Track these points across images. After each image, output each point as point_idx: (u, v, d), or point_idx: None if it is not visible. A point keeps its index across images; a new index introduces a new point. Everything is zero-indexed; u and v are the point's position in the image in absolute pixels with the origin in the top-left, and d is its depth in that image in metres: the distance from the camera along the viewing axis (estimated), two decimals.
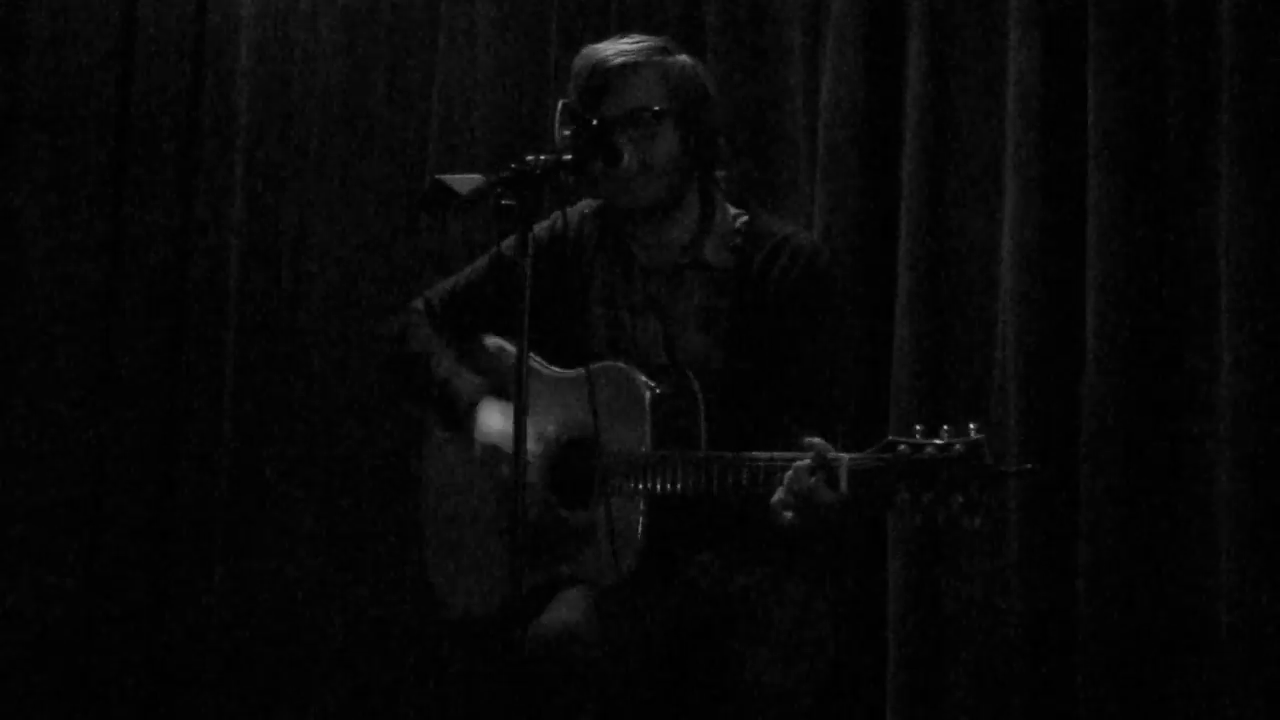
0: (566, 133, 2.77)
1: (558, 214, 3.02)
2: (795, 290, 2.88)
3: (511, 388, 2.82)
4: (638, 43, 2.90)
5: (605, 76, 2.84)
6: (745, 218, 2.97)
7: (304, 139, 4.50)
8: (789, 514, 2.59)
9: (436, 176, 2.60)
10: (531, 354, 2.92)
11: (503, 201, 2.52)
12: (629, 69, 2.85)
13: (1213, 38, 3.28)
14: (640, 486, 2.75)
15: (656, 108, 2.85)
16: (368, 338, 4.14)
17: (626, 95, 2.84)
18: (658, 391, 2.80)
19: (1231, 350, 3.18)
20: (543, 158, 2.54)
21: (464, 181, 2.58)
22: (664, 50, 2.92)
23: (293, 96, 4.52)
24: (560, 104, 2.80)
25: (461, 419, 3.01)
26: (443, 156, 4.26)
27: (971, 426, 2.50)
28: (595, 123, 2.67)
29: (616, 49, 2.88)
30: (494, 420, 2.96)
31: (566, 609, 2.75)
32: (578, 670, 2.67)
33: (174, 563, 4.47)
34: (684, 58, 2.94)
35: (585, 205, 3.05)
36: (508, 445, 2.80)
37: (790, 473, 2.57)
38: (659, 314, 2.95)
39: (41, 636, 4.40)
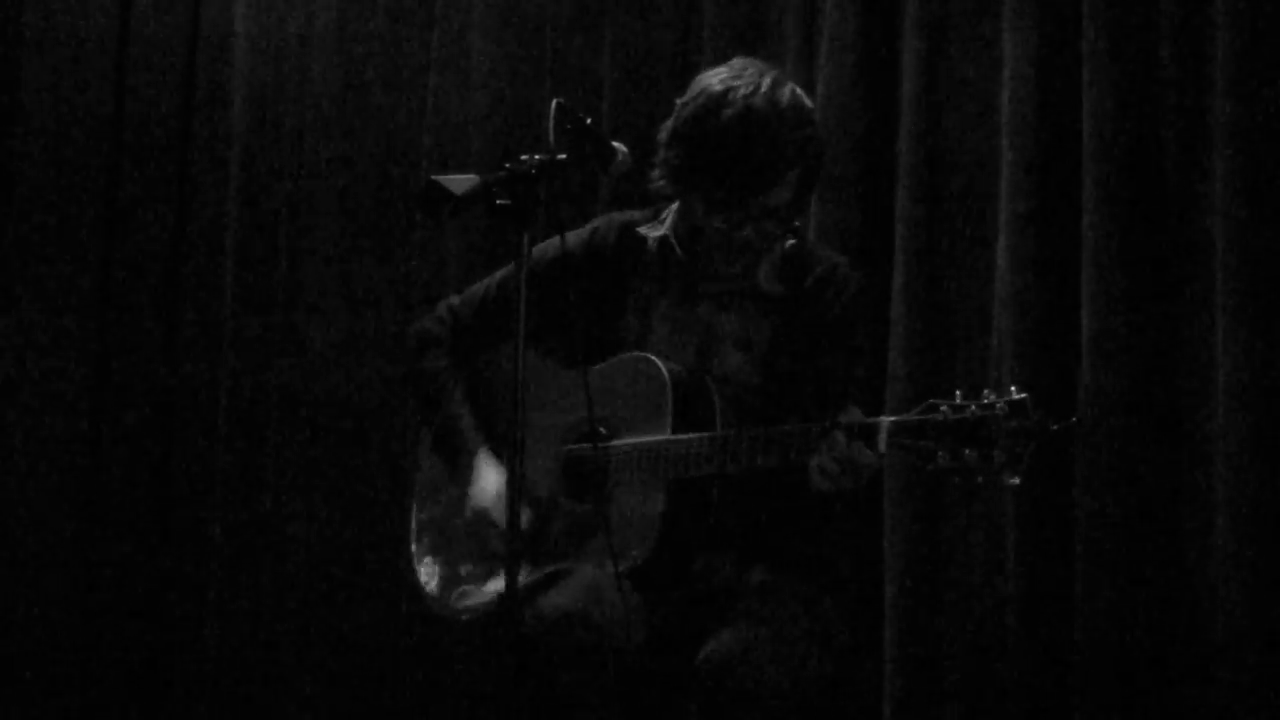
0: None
1: (596, 222, 3.06)
2: (839, 322, 2.92)
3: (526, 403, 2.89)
4: (797, 120, 2.78)
5: (770, 170, 2.76)
6: (792, 241, 2.96)
7: (298, 141, 4.52)
8: (825, 481, 2.63)
9: (432, 177, 2.60)
10: (543, 356, 2.98)
11: (498, 201, 2.53)
12: (795, 164, 2.78)
13: (1207, 39, 3.28)
14: (661, 474, 2.78)
15: (794, 170, 2.81)
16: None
17: (779, 192, 2.80)
18: (678, 378, 2.83)
19: (1227, 341, 3.18)
20: (537, 157, 2.55)
21: (459, 182, 2.58)
22: (813, 136, 2.82)
23: (287, 97, 4.53)
24: (554, 103, 2.80)
25: (457, 464, 3.04)
26: (437, 157, 4.27)
27: (1013, 388, 2.54)
28: (589, 122, 2.67)
29: (779, 135, 2.75)
30: (489, 479, 2.98)
31: (565, 594, 2.76)
32: (578, 653, 2.67)
33: (171, 559, 4.49)
34: (809, 103, 2.86)
35: (621, 215, 3.06)
36: (498, 512, 2.87)
37: (828, 439, 2.61)
38: (700, 332, 2.95)
39: (39, 637, 4.43)
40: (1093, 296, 3.33)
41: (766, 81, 2.80)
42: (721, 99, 2.79)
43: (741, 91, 2.79)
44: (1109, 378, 3.30)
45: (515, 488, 2.45)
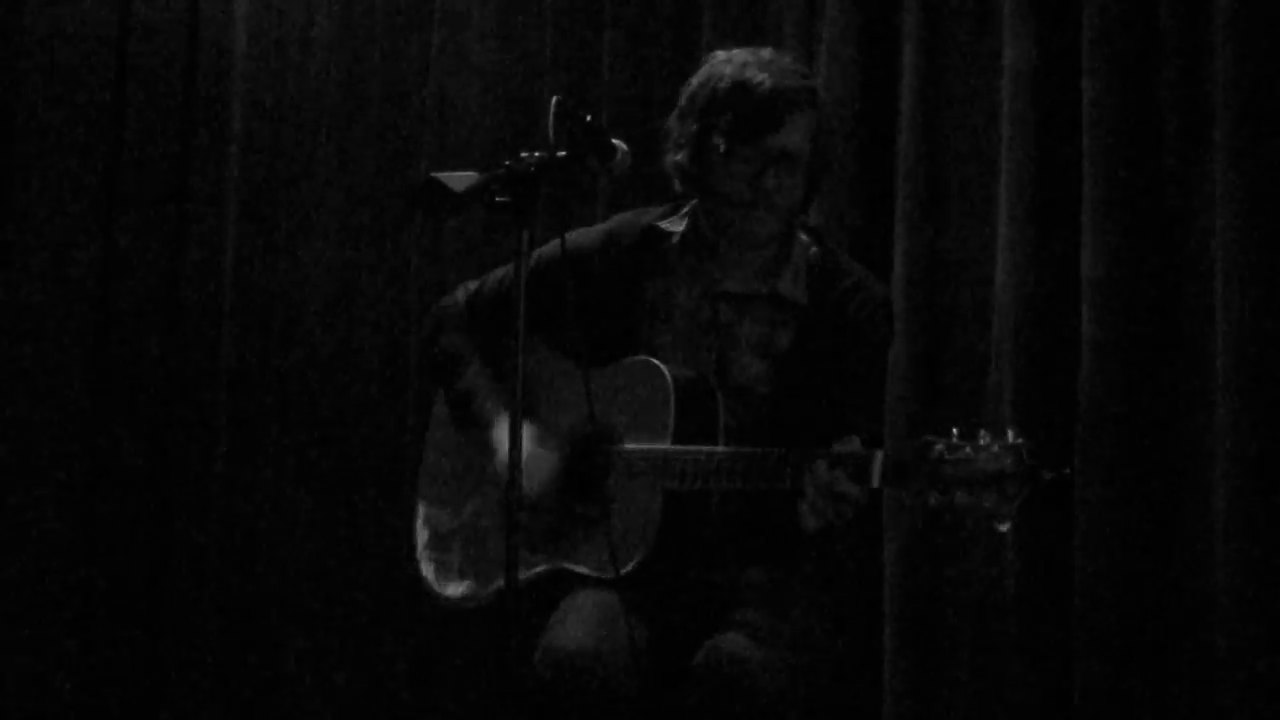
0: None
1: (612, 222, 3.07)
2: (861, 332, 2.92)
3: (536, 395, 2.92)
4: (801, 76, 2.91)
5: (779, 109, 2.84)
6: (817, 250, 2.98)
7: (298, 139, 4.51)
8: (813, 518, 2.62)
9: (432, 174, 2.60)
10: (555, 350, 2.99)
11: (497, 199, 2.53)
12: (805, 105, 2.87)
13: (1207, 32, 3.27)
14: (659, 482, 2.77)
15: (805, 158, 2.87)
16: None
17: (791, 134, 2.85)
18: (682, 385, 2.82)
19: (1227, 347, 3.18)
20: (537, 155, 2.54)
21: (459, 179, 2.58)
22: (817, 91, 2.93)
23: (287, 95, 4.53)
24: (554, 100, 2.80)
25: (475, 425, 3.03)
26: (437, 154, 4.27)
27: (1009, 431, 2.50)
28: (589, 119, 2.67)
29: (786, 78, 2.86)
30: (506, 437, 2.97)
31: (575, 626, 2.73)
32: (595, 688, 2.65)
33: (171, 556, 4.49)
34: (822, 94, 2.96)
35: (640, 217, 3.06)
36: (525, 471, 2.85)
37: (809, 472, 2.60)
38: (719, 335, 2.95)
39: (39, 635, 4.42)
40: (1093, 295, 3.32)
41: (768, 49, 2.94)
42: (725, 62, 2.91)
43: (744, 55, 2.91)
44: (1109, 378, 3.30)
45: (515, 486, 2.44)
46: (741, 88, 2.85)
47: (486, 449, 3.00)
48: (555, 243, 3.00)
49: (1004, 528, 2.49)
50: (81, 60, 4.54)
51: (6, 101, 4.52)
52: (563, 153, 2.60)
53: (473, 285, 3.15)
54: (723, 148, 2.86)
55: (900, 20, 3.65)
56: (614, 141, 2.74)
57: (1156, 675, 3.27)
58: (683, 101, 2.95)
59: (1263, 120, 3.17)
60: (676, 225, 3.01)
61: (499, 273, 3.14)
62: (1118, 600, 3.27)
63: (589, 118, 2.67)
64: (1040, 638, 3.36)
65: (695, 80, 2.95)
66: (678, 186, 2.98)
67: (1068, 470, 2.51)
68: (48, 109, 4.52)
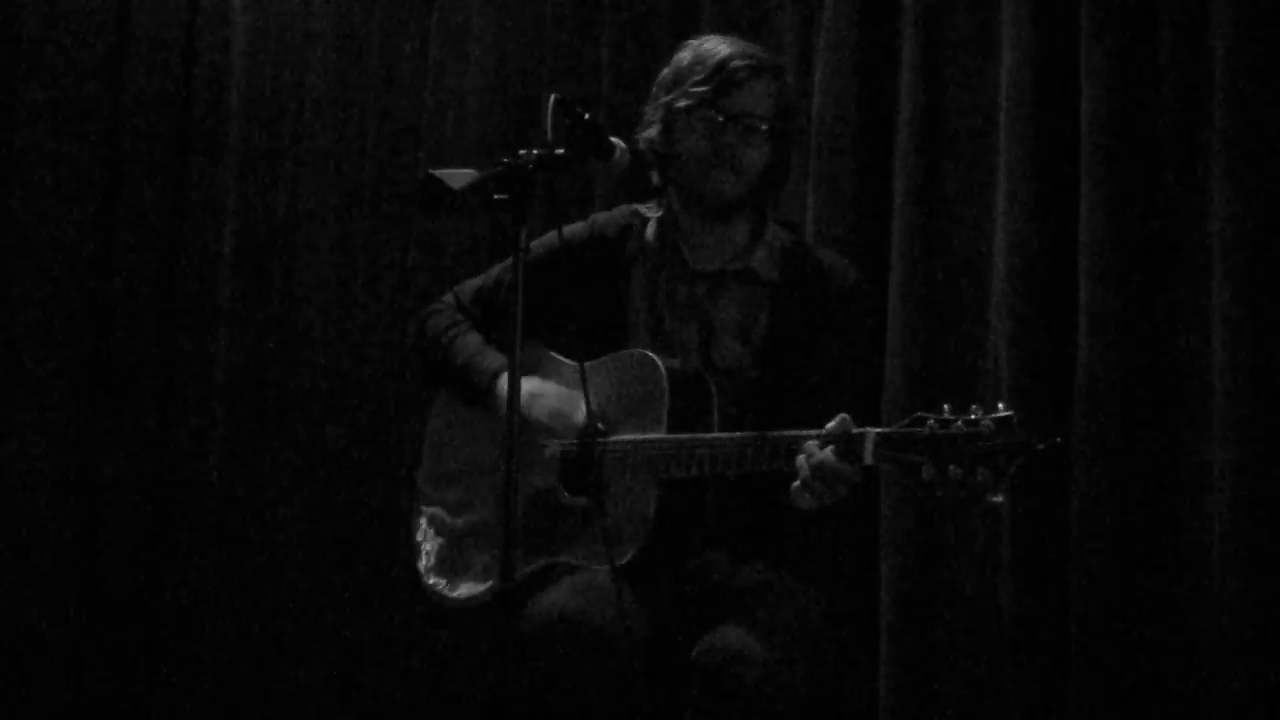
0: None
1: (595, 217, 3.13)
2: (837, 312, 2.97)
3: (538, 370, 2.95)
4: (765, 53, 3.03)
5: (738, 72, 2.94)
6: (790, 237, 3.06)
7: (296, 135, 4.51)
8: (808, 495, 2.64)
9: (430, 171, 2.61)
10: (547, 348, 3.01)
11: (496, 196, 2.53)
12: (765, 74, 2.97)
13: (1206, 29, 3.27)
14: (655, 474, 2.79)
15: (765, 127, 2.95)
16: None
17: (750, 97, 2.95)
18: (676, 377, 2.85)
19: (1224, 339, 3.18)
20: (535, 152, 2.55)
21: (457, 176, 2.58)
22: (782, 70, 3.05)
23: (285, 90, 4.53)
24: (552, 98, 2.81)
25: (483, 392, 3.03)
26: (435, 151, 4.26)
27: (1000, 405, 2.54)
28: (587, 117, 2.67)
29: (748, 50, 2.99)
30: (527, 384, 2.99)
31: (562, 594, 2.77)
32: (577, 653, 2.67)
33: (169, 554, 4.48)
34: (788, 75, 3.09)
35: (626, 209, 3.13)
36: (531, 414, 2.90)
37: (803, 453, 2.62)
38: (699, 318, 3.00)
39: (36, 635, 4.42)
40: (1091, 292, 3.32)
41: (735, 37, 3.06)
42: (689, 45, 3.04)
43: (708, 36, 3.07)
44: (1106, 373, 3.29)
45: (510, 485, 2.44)
46: (703, 56, 2.97)
47: (489, 438, 3.02)
48: (545, 238, 3.05)
49: (998, 499, 2.52)
50: (79, 55, 4.53)
51: (4, 102, 4.51)
52: (561, 150, 2.61)
53: (460, 290, 3.17)
54: (685, 108, 2.94)
55: (898, 25, 3.65)
56: (612, 140, 2.74)
57: (1154, 680, 3.26)
58: (653, 89, 3.04)
59: (1261, 114, 3.17)
60: (654, 212, 3.08)
61: (485, 276, 3.16)
62: (1116, 599, 3.27)
63: (587, 116, 2.68)
64: (1037, 636, 3.36)
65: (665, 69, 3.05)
66: (653, 175, 3.03)
67: (1059, 439, 2.54)
68: (46, 104, 4.51)
